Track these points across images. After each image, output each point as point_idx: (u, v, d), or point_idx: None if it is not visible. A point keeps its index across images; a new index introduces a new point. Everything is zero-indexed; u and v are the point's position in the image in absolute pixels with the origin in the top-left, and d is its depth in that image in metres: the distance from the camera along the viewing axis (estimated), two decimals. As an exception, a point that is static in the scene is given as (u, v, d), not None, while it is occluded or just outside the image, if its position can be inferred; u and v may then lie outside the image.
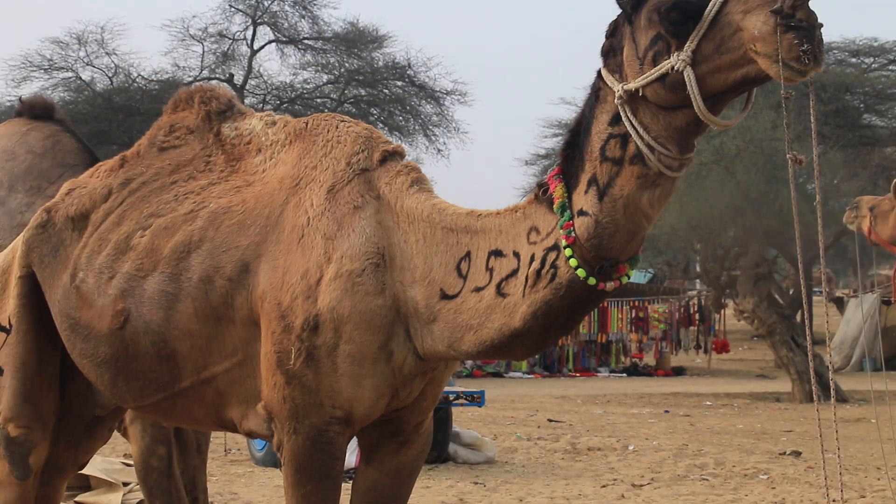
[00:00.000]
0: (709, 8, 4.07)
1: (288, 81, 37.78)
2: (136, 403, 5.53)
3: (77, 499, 12.24)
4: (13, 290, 5.70)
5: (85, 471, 11.08)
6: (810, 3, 3.93)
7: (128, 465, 12.28)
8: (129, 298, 5.21)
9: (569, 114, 29.45)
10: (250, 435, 5.24)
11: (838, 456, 14.89)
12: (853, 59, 29.25)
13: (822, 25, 3.95)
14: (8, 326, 5.69)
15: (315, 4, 37.30)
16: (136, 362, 5.25)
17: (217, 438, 13.19)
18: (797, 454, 17.31)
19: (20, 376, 5.64)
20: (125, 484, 12.43)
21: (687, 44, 4.11)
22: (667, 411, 23.57)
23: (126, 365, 5.29)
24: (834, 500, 11.45)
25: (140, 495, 11.52)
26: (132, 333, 5.21)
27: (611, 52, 4.36)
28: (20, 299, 5.67)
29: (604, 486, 14.39)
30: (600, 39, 4.40)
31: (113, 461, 12.93)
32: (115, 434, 6.95)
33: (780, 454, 17.43)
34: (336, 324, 4.72)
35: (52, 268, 5.58)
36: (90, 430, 6.15)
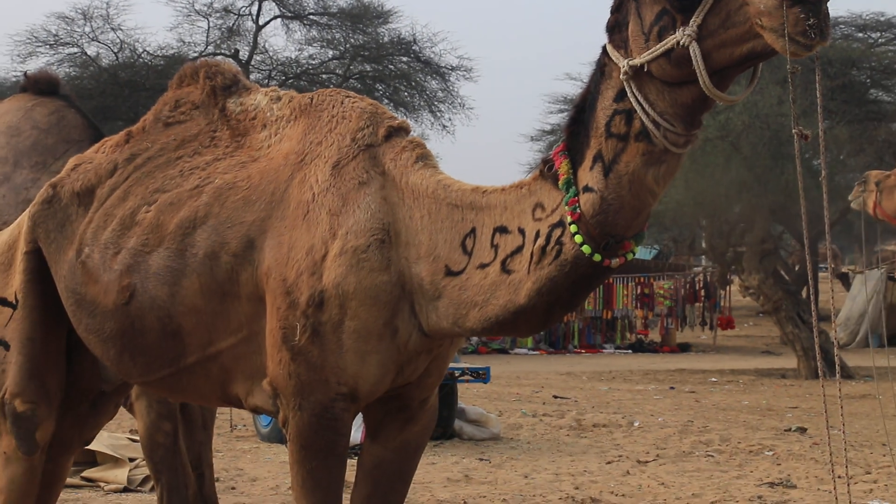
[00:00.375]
0: None
1: (293, 57, 37.72)
2: (141, 379, 5.56)
3: (83, 474, 12.27)
4: (19, 265, 5.72)
5: (91, 446, 11.09)
6: None
7: (134, 440, 12.31)
8: (135, 274, 5.23)
9: (574, 89, 29.32)
10: (256, 411, 5.27)
11: (843, 432, 14.85)
12: (860, 34, 29.14)
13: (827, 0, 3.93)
14: (14, 302, 5.71)
15: (320, -26, 37.23)
16: (141, 338, 5.27)
17: (223, 414, 13.22)
18: (802, 430, 17.34)
19: (26, 352, 5.67)
20: (131, 459, 12.48)
21: (692, 18, 4.09)
22: (672, 388, 23.58)
23: (132, 340, 5.31)
24: (839, 477, 11.44)
25: (146, 471, 11.55)
26: (138, 309, 5.22)
27: (616, 28, 4.35)
28: (26, 275, 5.69)
29: (609, 463, 14.42)
30: (606, 15, 4.39)
31: (119, 437, 12.96)
32: (122, 410, 6.96)
33: (785, 430, 17.45)
34: (341, 300, 4.73)
35: (57, 243, 5.59)
36: (96, 405, 6.16)
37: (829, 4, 3.94)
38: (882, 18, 30.02)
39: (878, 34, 29.96)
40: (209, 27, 36.99)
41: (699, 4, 4.08)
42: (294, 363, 4.80)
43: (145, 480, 11.92)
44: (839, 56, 26.07)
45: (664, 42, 4.17)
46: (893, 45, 29.43)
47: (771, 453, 15.20)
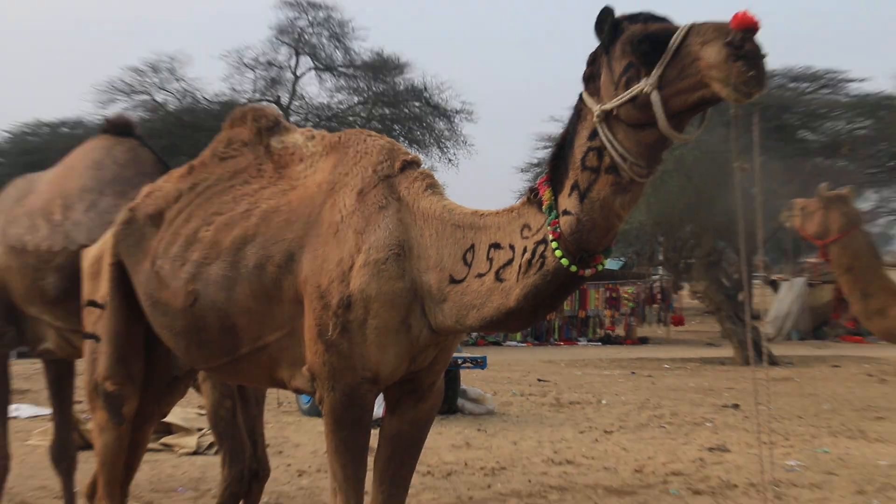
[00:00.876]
0: (673, 39, 4.02)
1: (325, 102, 37.84)
2: (205, 366, 5.58)
3: (161, 441, 12.33)
4: (105, 274, 5.76)
5: (167, 419, 11.12)
6: (756, 37, 3.90)
7: (201, 414, 12.32)
8: (198, 282, 5.23)
9: (557, 129, 29.37)
10: (297, 391, 5.26)
11: (768, 407, 14.81)
12: (791, 84, 29.15)
13: (765, 55, 3.91)
14: (103, 304, 5.75)
15: (347, 37, 37.36)
16: (204, 333, 5.28)
17: (271, 394, 13.17)
18: (736, 406, 17.31)
19: (113, 343, 5.72)
20: (199, 429, 12.54)
21: (654, 70, 4.06)
22: (633, 373, 23.58)
23: (197, 335, 5.32)
24: (764, 443, 11.38)
25: (211, 438, 11.57)
26: (201, 310, 5.23)
27: (591, 79, 4.32)
28: (111, 282, 5.72)
29: (581, 432, 14.40)
30: (581, 67, 4.37)
31: (189, 411, 12.99)
32: (191, 390, 6.95)
33: (722, 406, 17.44)
34: (365, 302, 4.72)
35: (135, 256, 5.61)
36: (170, 387, 6.22)
37: (765, 59, 3.91)
38: (810, 71, 30.06)
39: (807, 84, 29.95)
40: (256, 78, 37.22)
41: (659, 59, 4.05)
42: (328, 353, 4.79)
43: (210, 446, 11.94)
44: (774, 102, 26.08)
45: (630, 90, 4.13)
46: (819, 93, 29.39)
47: (711, 424, 15.20)
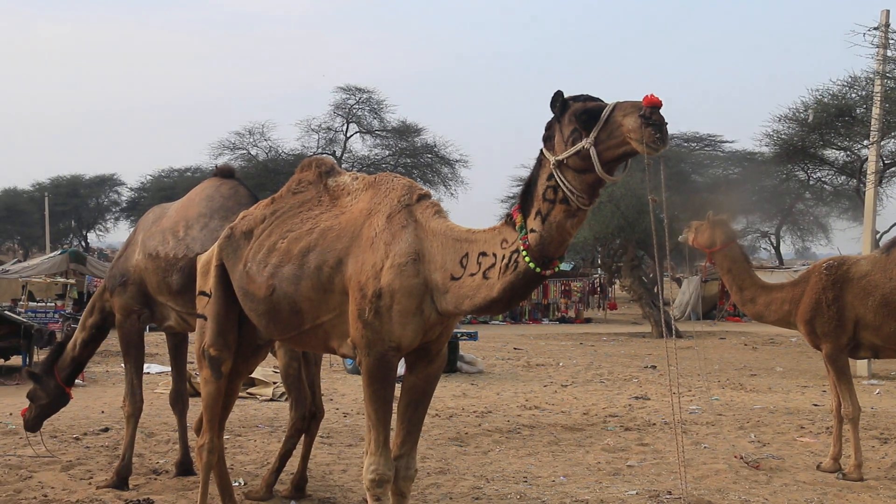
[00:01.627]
0: (603, 113, 4.10)
1: (366, 155, 38.01)
2: (279, 337, 5.56)
3: (248, 391, 12.31)
4: (212, 273, 5.75)
5: (252, 375, 11.13)
6: (660, 111, 3.98)
7: (276, 371, 12.30)
8: (275, 278, 5.23)
9: (525, 173, 29.46)
10: (344, 356, 5.25)
11: (676, 368, 14.76)
12: (685, 144, 29.38)
13: (667, 123, 3.99)
14: (209, 293, 5.75)
15: (382, 111, 37.69)
16: (279, 314, 5.26)
17: (325, 358, 13.19)
18: (654, 367, 17.27)
19: (216, 321, 5.71)
20: (274, 383, 12.52)
21: (591, 133, 4.12)
22: (581, 343, 23.51)
23: (274, 316, 5.30)
24: (673, 393, 11.36)
25: (282, 389, 11.58)
26: (277, 298, 5.23)
27: (548, 139, 4.33)
28: (216, 279, 5.71)
29: (545, 386, 14.39)
30: (540, 131, 4.40)
31: (267, 370, 12.97)
32: (269, 354, 6.96)
33: (644, 367, 17.39)
34: (391, 293, 4.72)
35: (232, 260, 5.60)
36: (255, 352, 6.16)
37: (667, 125, 3.99)
38: (697, 135, 30.22)
39: (695, 144, 30.08)
40: (319, 138, 37.59)
41: (594, 125, 4.12)
42: (365, 329, 4.78)
43: (282, 395, 11.93)
44: (674, 156, 26.20)
45: (576, 146, 4.17)
46: (703, 150, 29.48)
47: (636, 380, 15.16)
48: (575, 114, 4.22)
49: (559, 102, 4.31)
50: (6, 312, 15.62)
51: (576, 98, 4.29)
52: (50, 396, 8.00)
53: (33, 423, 8.11)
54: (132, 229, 7.92)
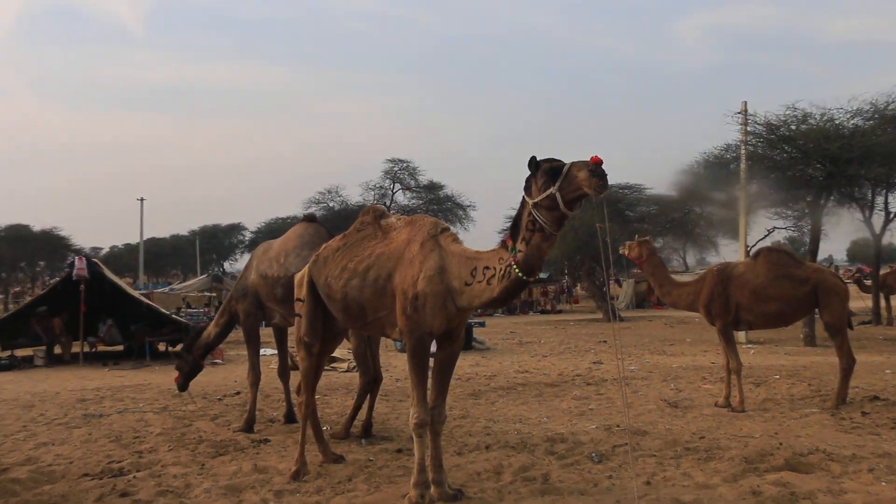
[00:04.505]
0: (564, 169, 4.10)
1: (406, 204, 37.94)
2: (352, 326, 5.45)
3: (330, 365, 12.24)
4: (304, 285, 5.66)
5: (334, 354, 11.06)
6: (602, 166, 3.97)
7: (349, 352, 12.25)
8: (347, 287, 5.15)
9: (513, 213, 29.51)
10: (395, 340, 5.18)
11: (619, 341, 14.52)
12: (621, 190, 29.15)
13: (607, 174, 3.98)
14: (303, 300, 5.65)
15: (416, 174, 37.73)
16: (350, 311, 5.18)
17: (382, 342, 13.14)
18: (605, 342, 17.09)
19: (307, 318, 5.61)
20: (349, 359, 12.43)
21: (556, 183, 4.11)
22: (555, 327, 23.38)
23: (347, 312, 5.22)
24: (620, 359, 11.19)
25: (354, 364, 11.46)
26: (349, 301, 5.14)
27: (527, 188, 4.30)
28: (307, 289, 5.62)
29: (532, 357, 14.24)
30: (522, 184, 4.36)
31: (343, 351, 12.92)
32: (344, 340, 6.90)
33: (598, 342, 17.24)
34: (424, 296, 4.65)
35: (318, 276, 5.51)
36: (335, 337, 6.08)
37: (607, 176, 3.97)
38: (628, 184, 29.99)
39: (627, 190, 29.78)
40: (374, 194, 37.46)
41: (558, 178, 4.10)
42: (408, 321, 4.71)
43: (354, 367, 11.85)
44: (613, 198, 25.96)
45: (546, 192, 4.15)
46: (633, 194, 29.13)
47: (593, 351, 15.01)
48: (544, 171, 4.20)
49: (534, 164, 4.29)
50: (173, 316, 15.74)
51: (545, 160, 4.27)
52: (189, 367, 8.05)
53: (182, 385, 8.20)
54: (249, 257, 7.88)
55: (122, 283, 16.50)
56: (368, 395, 7.09)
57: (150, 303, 16.06)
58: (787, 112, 16.10)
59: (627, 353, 14.04)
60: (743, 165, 16.71)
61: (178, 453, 6.31)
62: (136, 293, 15.28)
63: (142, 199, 43.63)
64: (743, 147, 16.72)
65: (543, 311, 33.73)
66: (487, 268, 4.57)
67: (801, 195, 17.22)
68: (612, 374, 10.96)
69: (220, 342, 8.15)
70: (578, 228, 24.78)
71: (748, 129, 16.48)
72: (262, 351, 14.66)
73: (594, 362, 12.87)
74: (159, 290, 32.19)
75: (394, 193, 37.84)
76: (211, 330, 7.97)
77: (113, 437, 6.99)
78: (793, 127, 15.99)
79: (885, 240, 21.98)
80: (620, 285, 35.32)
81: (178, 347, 15.34)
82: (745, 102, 16.73)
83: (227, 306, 7.81)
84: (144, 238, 46.46)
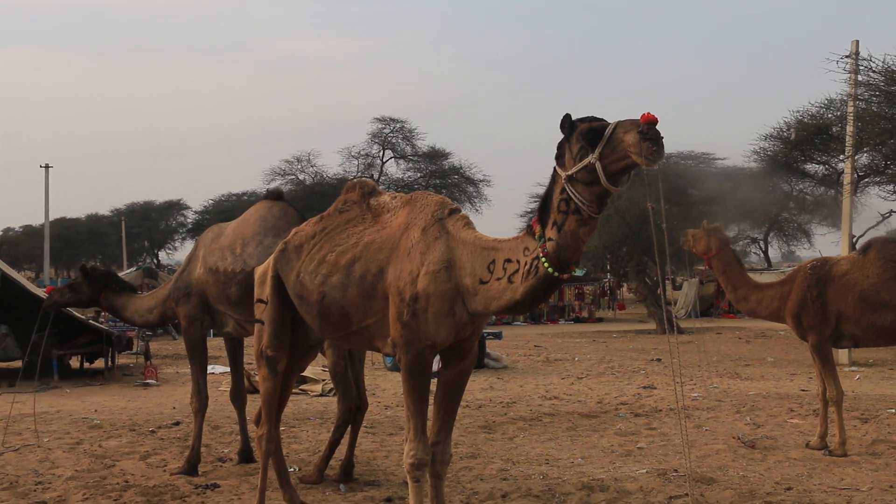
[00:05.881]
0: (607, 131, 4.10)
1: (400, 178, 38.02)
2: (331, 336, 5.48)
3: (300, 387, 12.30)
4: (268, 283, 5.69)
5: (304, 373, 11.12)
6: (656, 126, 3.99)
7: (325, 370, 12.30)
8: (325, 286, 5.18)
9: (541, 190, 29.52)
10: (385, 354, 5.18)
11: (678, 360, 14.60)
12: (681, 161, 29.16)
13: (663, 137, 3.99)
14: (266, 301, 5.71)
15: (413, 138, 37.84)
16: (329, 317, 5.22)
17: (368, 357, 13.20)
18: (659, 360, 17.17)
19: (272, 325, 5.66)
20: (323, 380, 12.49)
21: (597, 149, 4.11)
22: (594, 340, 23.41)
23: (325, 318, 5.25)
24: (677, 382, 11.26)
25: (331, 385, 11.57)
26: (327, 304, 5.18)
27: (559, 157, 4.31)
28: (272, 287, 5.66)
29: (563, 378, 14.32)
30: (553, 151, 4.38)
31: (317, 368, 12.96)
32: (319, 355, 6.96)
33: (650, 360, 17.30)
34: (426, 297, 4.67)
35: (286, 271, 5.55)
36: (306, 352, 6.13)
37: (663, 139, 3.99)
38: (692, 152, 29.99)
39: (691, 161, 29.80)
40: (359, 164, 37.59)
41: (599, 142, 4.11)
42: (403, 330, 4.74)
43: (331, 390, 11.92)
44: (672, 171, 25.99)
45: (583, 161, 4.15)
46: (699, 167, 29.19)
47: (643, 372, 15.08)
48: (582, 133, 4.20)
49: (568, 124, 4.29)
50: (91, 322, 15.75)
51: (582, 119, 4.28)
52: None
53: None
54: (193, 246, 7.93)
55: (21, 277, 16.49)
56: (349, 427, 7.13)
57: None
58: None
59: (689, 375, 14.09)
60: (850, 128, 16.33)
61: None
62: (39, 291, 15.23)
63: (47, 167, 42.88)
64: (851, 103, 16.24)
65: (578, 319, 33.84)
66: (509, 261, 4.58)
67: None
68: (668, 403, 11.01)
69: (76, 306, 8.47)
70: (625, 211, 24.85)
71: (859, 78, 15.91)
72: (211, 368, 14.82)
73: (644, 387, 12.93)
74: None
75: (384, 163, 38.00)
76: (136, 305, 8.10)
77: (6, 483, 6.95)
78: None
79: None
80: (681, 287, 35.39)
81: (98, 363, 15.45)
82: (857, 42, 16.07)
83: (161, 307, 7.90)
84: (51, 219, 45.77)
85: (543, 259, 4.40)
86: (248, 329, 7.09)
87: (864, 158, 17.76)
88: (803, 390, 12.24)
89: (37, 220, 57.88)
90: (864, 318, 7.94)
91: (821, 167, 22.80)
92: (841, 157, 17.20)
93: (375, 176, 37.10)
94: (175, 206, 59.45)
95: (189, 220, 57.89)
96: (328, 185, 35.95)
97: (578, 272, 32.94)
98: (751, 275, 9.15)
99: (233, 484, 6.94)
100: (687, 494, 6.29)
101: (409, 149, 38.17)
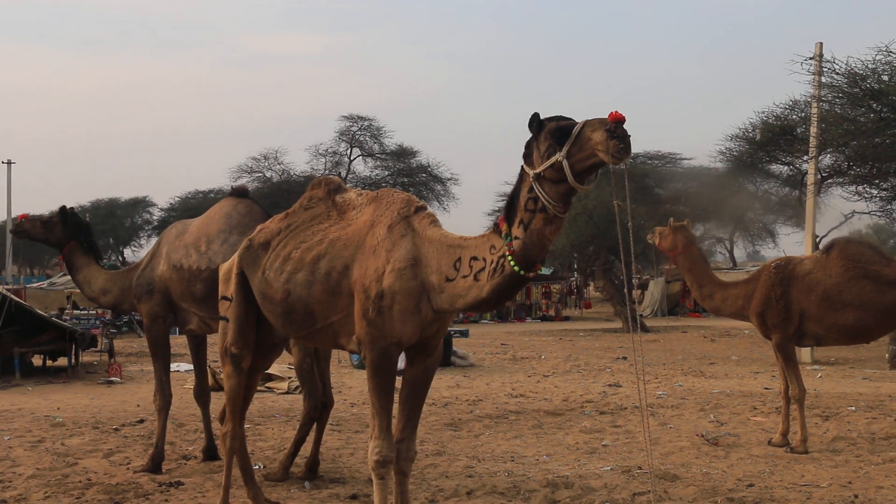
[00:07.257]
0: (574, 129, 4.09)
1: (367, 175, 37.90)
2: (295, 335, 5.46)
3: (265, 384, 12.24)
4: (233, 280, 5.67)
5: (269, 370, 11.06)
6: (623, 125, 3.98)
7: (290, 367, 12.26)
8: (290, 284, 5.17)
9: (508, 189, 29.54)
10: (351, 352, 5.17)
11: (643, 358, 14.73)
12: (648, 161, 29.33)
13: (630, 136, 3.98)
14: (231, 298, 5.68)
15: (381, 136, 37.75)
16: (293, 315, 5.20)
17: (335, 354, 13.16)
18: (624, 358, 17.28)
19: (236, 322, 5.64)
20: (289, 377, 12.45)
21: (564, 147, 4.10)
22: (560, 338, 23.51)
23: (289, 316, 5.23)
24: (641, 380, 11.34)
25: (296, 383, 11.53)
26: (292, 301, 5.16)
27: (527, 156, 4.31)
28: (236, 285, 5.64)
29: (529, 376, 14.36)
30: (521, 150, 4.37)
31: (283, 366, 12.91)
32: (284, 352, 6.93)
33: (616, 358, 17.41)
34: (392, 294, 4.66)
35: (251, 269, 5.53)
36: (271, 350, 6.12)
37: (630, 138, 3.98)
38: (659, 153, 30.22)
39: (657, 161, 30.01)
40: (326, 161, 37.43)
41: (567, 141, 4.10)
42: (369, 327, 4.73)
43: (296, 388, 11.88)
44: (638, 171, 26.15)
45: (551, 160, 4.14)
46: (665, 167, 29.41)
47: (609, 370, 15.16)
48: (549, 131, 4.20)
49: (536, 123, 4.29)
50: (54, 319, 15.61)
51: (550, 118, 4.28)
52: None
53: None
54: (156, 242, 7.87)
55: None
56: (315, 425, 7.12)
57: (21, 301, 15.89)
58: (878, 56, 15.07)
59: (654, 373, 14.20)
60: (814, 129, 16.43)
61: (58, 502, 6.30)
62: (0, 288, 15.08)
63: (9, 163, 42.49)
64: (814, 105, 16.31)
65: (545, 318, 34.00)
66: (475, 259, 4.58)
67: (893, 169, 16.86)
68: (633, 401, 11.08)
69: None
70: (593, 210, 24.98)
71: (823, 79, 15.92)
72: (176, 366, 14.73)
73: (610, 385, 13.01)
74: (34, 286, 32.02)
75: (351, 161, 37.84)
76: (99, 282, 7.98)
77: (-33, 481, 6.90)
78: (885, 77, 15.18)
79: None
80: (647, 285, 35.63)
81: (61, 361, 15.28)
82: (821, 44, 16.10)
83: (119, 295, 7.86)
84: (13, 215, 45.48)
85: (510, 257, 4.40)
86: (213, 326, 7.05)
87: (827, 159, 17.96)
88: (766, 388, 12.38)
89: (-3, 216, 57.07)
90: (827, 317, 8.02)
91: (785, 168, 23.04)
92: (805, 157, 17.40)
93: (343, 174, 36.95)
94: (141, 203, 58.81)
95: (155, 217, 57.21)
96: (295, 183, 35.73)
97: (545, 271, 33.10)
98: (716, 273, 9.24)
99: (197, 482, 6.90)
100: (650, 491, 6.34)
101: (376, 147, 38.08)
